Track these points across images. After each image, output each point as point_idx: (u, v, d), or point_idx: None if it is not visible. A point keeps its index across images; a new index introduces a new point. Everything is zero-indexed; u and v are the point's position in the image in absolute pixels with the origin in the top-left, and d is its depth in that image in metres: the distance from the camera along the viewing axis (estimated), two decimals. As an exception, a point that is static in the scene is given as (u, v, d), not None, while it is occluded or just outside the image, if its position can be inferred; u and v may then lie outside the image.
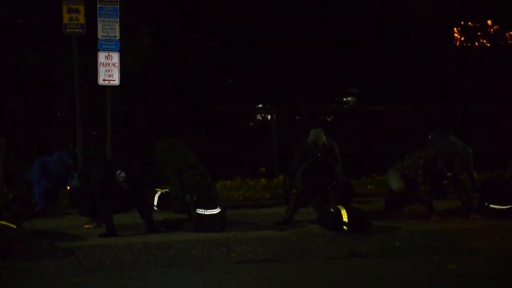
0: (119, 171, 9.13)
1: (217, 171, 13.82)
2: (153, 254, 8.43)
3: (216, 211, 9.59)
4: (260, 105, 19.93)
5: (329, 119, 19.77)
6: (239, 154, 16.91)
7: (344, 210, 9.48)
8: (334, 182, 10.11)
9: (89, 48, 12.88)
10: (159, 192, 11.68)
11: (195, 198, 9.85)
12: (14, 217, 8.98)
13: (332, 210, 9.60)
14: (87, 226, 9.87)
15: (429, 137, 12.91)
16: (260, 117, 19.96)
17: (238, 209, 11.81)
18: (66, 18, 12.13)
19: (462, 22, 21.16)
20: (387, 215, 10.59)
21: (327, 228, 9.52)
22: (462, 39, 21.23)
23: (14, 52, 16.84)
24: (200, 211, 9.56)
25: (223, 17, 18.36)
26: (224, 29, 18.37)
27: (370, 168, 16.24)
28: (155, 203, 11.59)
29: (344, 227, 9.33)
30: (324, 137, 11.42)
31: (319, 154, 11.22)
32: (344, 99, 22.27)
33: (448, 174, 10.29)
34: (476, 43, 21.24)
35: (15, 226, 8.28)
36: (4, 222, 8.24)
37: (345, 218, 9.37)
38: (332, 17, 18.94)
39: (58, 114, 17.95)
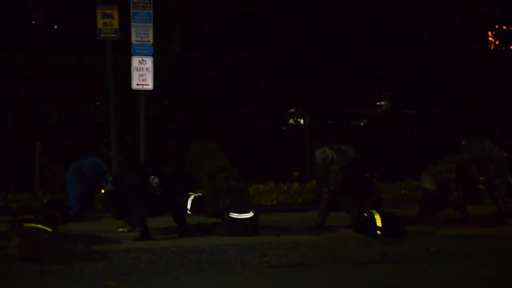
0: (152, 177, 9.18)
1: (250, 175, 13.83)
2: (187, 257, 8.45)
3: (249, 215, 9.60)
4: (293, 109, 19.89)
5: (362, 123, 19.68)
6: (272, 158, 16.89)
7: (378, 214, 9.44)
8: (375, 174, 10.08)
9: (121, 52, 12.97)
10: (192, 196, 11.67)
11: (228, 202, 9.84)
12: (49, 221, 9.10)
13: (365, 214, 9.56)
14: (121, 229, 9.93)
15: (463, 142, 12.80)
16: (293, 121, 19.92)
17: (271, 213, 11.81)
18: (100, 23, 12.26)
19: (497, 26, 20.95)
20: (421, 220, 10.54)
21: (361, 233, 9.49)
22: (497, 43, 21.01)
23: (49, 57, 17.01)
24: (233, 215, 9.57)
25: (256, 20, 18.35)
26: (257, 32, 18.37)
27: (403, 173, 16.15)
28: (189, 207, 11.58)
29: (378, 231, 9.29)
30: (332, 152, 11.42)
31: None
32: (377, 103, 22.14)
33: (481, 178, 10.20)
34: (511, 47, 21.02)
35: (50, 230, 8.35)
36: (40, 226, 8.32)
37: (378, 223, 9.33)
38: (366, 21, 18.84)
39: (92, 118, 18.07)
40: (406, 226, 9.62)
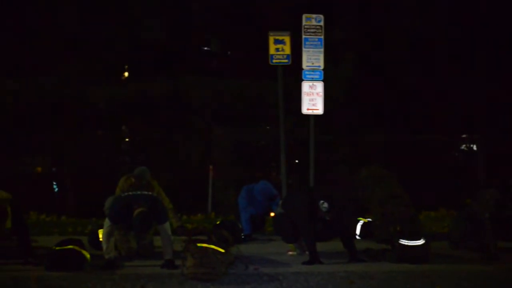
0: (321, 201, 9.19)
1: (421, 202, 13.53)
2: (356, 283, 8.38)
3: (420, 242, 9.38)
4: (465, 135, 19.33)
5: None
6: (443, 184, 16.47)
7: None
8: None
9: (288, 76, 13.11)
10: (361, 221, 11.63)
11: (398, 229, 9.67)
12: (222, 242, 9.31)
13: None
14: (290, 253, 10.01)
15: None
16: (465, 147, 19.36)
17: (442, 241, 11.47)
18: (272, 49, 12.50)
19: None
20: None
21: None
22: None
23: (221, 82, 17.54)
24: (403, 241, 9.38)
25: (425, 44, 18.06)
26: (423, 56, 18.05)
27: None
28: (358, 232, 11.55)
29: None
30: None
31: None
32: None
33: None
34: None
35: (223, 250, 8.54)
36: (213, 246, 8.54)
37: None
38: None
39: (262, 142, 18.41)
40: None
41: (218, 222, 11.85)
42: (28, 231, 9.18)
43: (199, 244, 8.54)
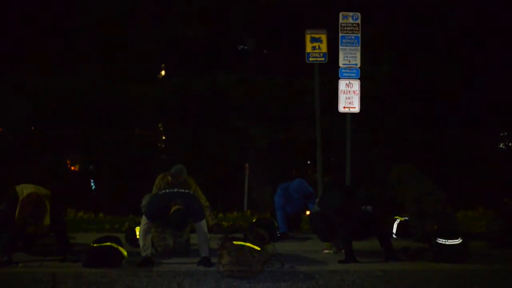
0: (364, 207, 9.17)
1: (458, 200, 13.42)
2: (392, 282, 8.35)
3: (457, 241, 9.29)
4: (504, 133, 19.13)
5: None
6: (481, 182, 16.31)
7: None
8: None
9: (324, 74, 13.07)
10: (398, 220, 11.56)
11: (435, 227, 9.59)
12: (258, 240, 9.32)
13: None
14: (326, 251, 9.99)
15: None
16: (503, 145, 19.16)
17: (480, 240, 11.35)
18: (309, 47, 12.46)
19: None
20: None
21: None
22: None
23: (258, 80, 17.56)
24: (440, 240, 9.30)
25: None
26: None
27: None
28: (394, 230, 11.48)
29: None
30: None
31: None
32: None
33: None
34: None
35: (259, 248, 8.55)
36: (249, 244, 8.55)
37: None
38: None
39: (298, 141, 18.39)
40: None
41: (254, 220, 11.87)
42: (66, 228, 9.30)
43: (235, 242, 8.56)
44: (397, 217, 11.64)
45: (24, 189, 8.81)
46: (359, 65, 12.37)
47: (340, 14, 12.43)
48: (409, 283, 8.34)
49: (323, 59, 12.48)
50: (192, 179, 11.04)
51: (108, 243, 8.82)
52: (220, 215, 14.11)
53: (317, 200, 10.22)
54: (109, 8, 17.30)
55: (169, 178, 10.55)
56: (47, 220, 8.60)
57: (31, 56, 17.38)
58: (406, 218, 11.14)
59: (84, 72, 17.29)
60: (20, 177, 11.33)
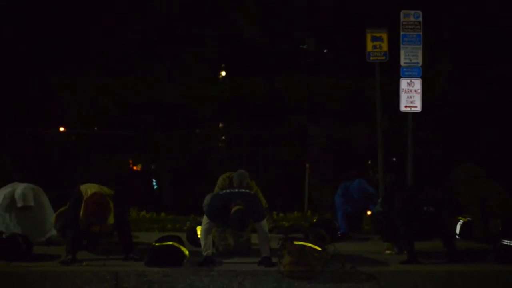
0: (426, 208, 9.05)
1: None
2: (454, 283, 8.27)
3: (526, 243, 9.11)
4: None
5: None
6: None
7: None
8: None
9: (384, 73, 12.97)
10: (461, 221, 11.38)
11: (500, 228, 9.43)
12: (318, 240, 9.30)
13: None
14: (388, 251, 9.90)
15: None
16: None
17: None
18: (369, 46, 12.40)
19: None
20: None
21: None
22: None
23: (317, 80, 17.52)
24: (505, 241, 9.13)
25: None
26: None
27: None
28: (457, 231, 11.31)
29: None
30: None
31: None
32: None
33: None
34: None
35: (320, 249, 8.54)
36: (310, 244, 8.54)
37: None
38: None
39: (359, 140, 18.30)
40: None
41: (314, 220, 11.86)
42: (129, 227, 9.42)
43: (296, 242, 8.56)
44: (460, 217, 11.46)
45: (88, 189, 8.96)
46: (420, 63, 12.26)
47: (402, 12, 12.35)
48: (472, 285, 8.21)
49: (384, 58, 12.41)
50: (253, 181, 11.10)
51: (170, 242, 8.91)
52: (281, 215, 14.12)
53: (379, 200, 10.15)
54: (173, 7, 17.45)
55: (231, 177, 10.65)
56: (111, 220, 8.73)
57: (94, 57, 17.67)
58: (470, 218, 10.98)
59: (146, 73, 17.49)
60: (84, 177, 11.52)
